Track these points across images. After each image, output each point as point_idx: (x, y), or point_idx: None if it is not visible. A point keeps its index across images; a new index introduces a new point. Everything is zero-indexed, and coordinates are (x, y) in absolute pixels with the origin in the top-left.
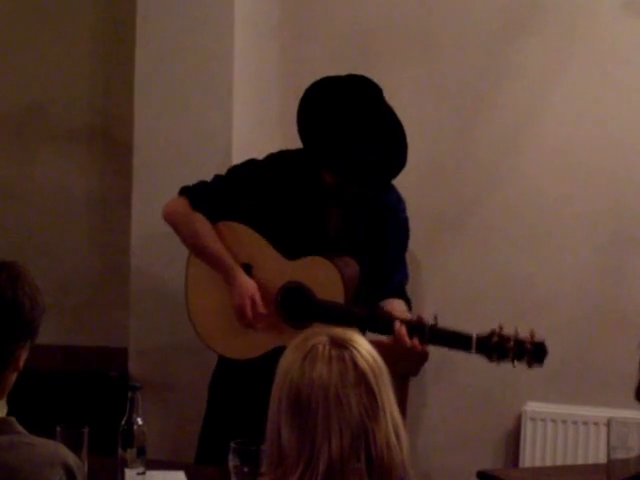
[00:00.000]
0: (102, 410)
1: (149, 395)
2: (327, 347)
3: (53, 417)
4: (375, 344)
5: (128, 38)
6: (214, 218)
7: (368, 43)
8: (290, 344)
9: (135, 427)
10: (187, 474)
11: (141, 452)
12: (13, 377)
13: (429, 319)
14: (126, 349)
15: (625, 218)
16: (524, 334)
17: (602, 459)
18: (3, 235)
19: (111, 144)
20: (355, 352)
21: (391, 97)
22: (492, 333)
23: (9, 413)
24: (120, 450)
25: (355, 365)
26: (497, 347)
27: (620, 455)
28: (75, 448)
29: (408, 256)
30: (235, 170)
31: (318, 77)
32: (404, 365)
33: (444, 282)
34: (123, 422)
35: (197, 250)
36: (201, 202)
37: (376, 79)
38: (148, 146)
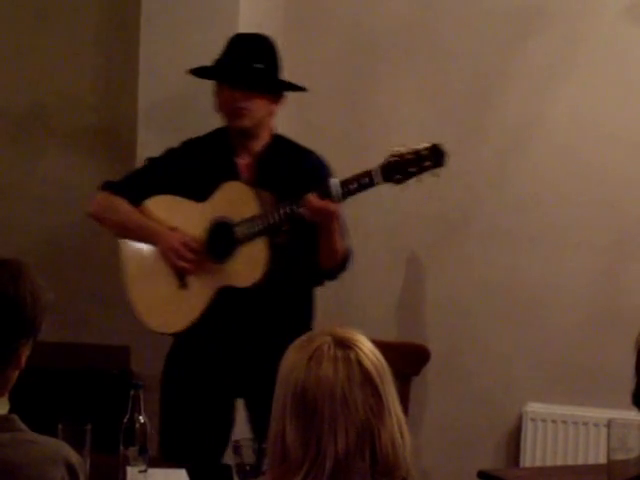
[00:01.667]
0: (104, 408)
1: (151, 393)
2: (332, 347)
3: (55, 415)
4: (377, 344)
5: (132, 38)
6: (135, 200)
7: (372, 46)
8: (292, 345)
9: (137, 425)
10: (188, 472)
11: (143, 450)
12: (15, 374)
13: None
14: (128, 347)
15: (627, 221)
16: (419, 145)
17: (602, 460)
18: (6, 233)
19: (115, 144)
20: (360, 352)
21: (396, 99)
22: (392, 155)
23: (11, 410)
24: (122, 448)
25: (360, 365)
26: (398, 167)
27: (620, 456)
28: (77, 446)
29: (411, 256)
30: (152, 157)
31: (322, 79)
32: (406, 365)
33: (447, 284)
34: (125, 420)
35: (122, 229)
36: (120, 188)
37: (381, 81)
38: (152, 146)
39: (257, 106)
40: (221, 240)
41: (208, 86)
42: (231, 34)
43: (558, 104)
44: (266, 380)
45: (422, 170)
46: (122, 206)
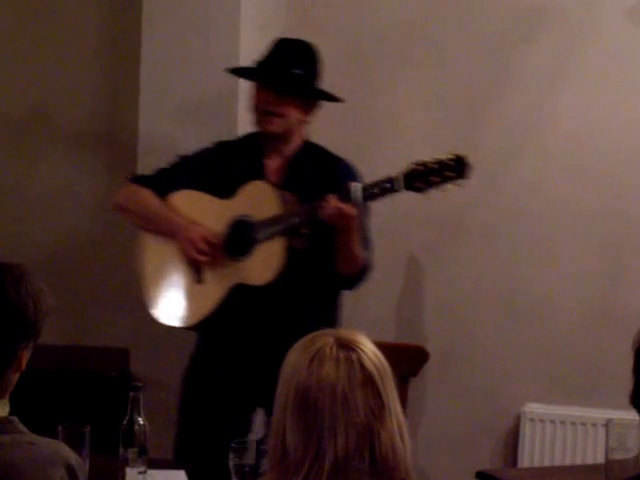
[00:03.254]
0: (103, 410)
1: (150, 395)
2: (334, 348)
3: (55, 416)
4: (376, 345)
5: (134, 43)
6: (161, 193)
7: (372, 49)
8: (295, 345)
9: (136, 426)
10: (187, 473)
11: (142, 451)
12: (15, 377)
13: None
14: (128, 349)
15: (625, 223)
16: (443, 155)
17: (600, 460)
18: (7, 236)
19: (116, 149)
20: (361, 353)
21: (395, 102)
22: (415, 164)
23: (11, 412)
24: (121, 449)
25: (362, 366)
26: (421, 175)
27: (618, 456)
28: (77, 447)
29: (410, 258)
30: (183, 155)
31: (322, 83)
32: (404, 366)
33: (445, 285)
34: (124, 421)
35: (145, 220)
36: (148, 181)
37: (380, 84)
38: (153, 152)
39: (290, 112)
40: (240, 238)
41: (210, 92)
42: (232, 37)
43: (558, 108)
44: None
45: (444, 180)
46: (147, 198)
